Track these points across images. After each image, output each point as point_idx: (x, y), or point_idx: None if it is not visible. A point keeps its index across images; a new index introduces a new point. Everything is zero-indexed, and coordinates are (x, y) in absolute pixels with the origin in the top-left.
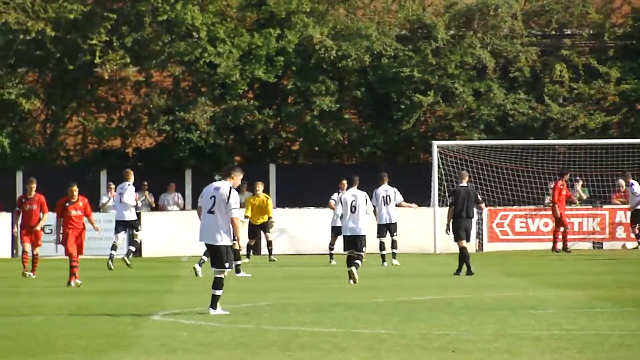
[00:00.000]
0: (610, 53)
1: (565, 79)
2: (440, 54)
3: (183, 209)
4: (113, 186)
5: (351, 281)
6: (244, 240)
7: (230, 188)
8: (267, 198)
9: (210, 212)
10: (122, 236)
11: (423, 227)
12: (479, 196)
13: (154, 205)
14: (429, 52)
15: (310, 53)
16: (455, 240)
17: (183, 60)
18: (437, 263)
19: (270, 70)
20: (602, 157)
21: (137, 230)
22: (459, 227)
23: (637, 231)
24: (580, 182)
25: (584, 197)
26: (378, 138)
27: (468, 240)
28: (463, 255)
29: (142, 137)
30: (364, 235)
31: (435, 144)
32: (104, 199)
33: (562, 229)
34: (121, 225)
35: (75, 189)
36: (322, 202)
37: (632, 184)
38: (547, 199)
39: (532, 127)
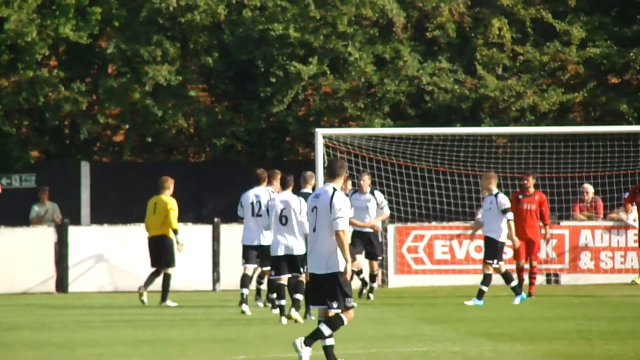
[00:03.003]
0: (571, 3)
1: (507, 41)
2: (328, 3)
3: None
4: None
5: (283, 319)
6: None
7: (335, 191)
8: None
9: (314, 230)
10: None
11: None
12: None
13: None
14: (311, 2)
15: (140, 2)
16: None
17: None
18: None
19: (81, 27)
20: (559, 151)
21: None
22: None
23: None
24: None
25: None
26: (238, 125)
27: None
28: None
29: None
30: (302, 255)
31: (320, 132)
32: None
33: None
34: None
35: None
36: None
37: (497, 194)
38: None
39: (458, 110)
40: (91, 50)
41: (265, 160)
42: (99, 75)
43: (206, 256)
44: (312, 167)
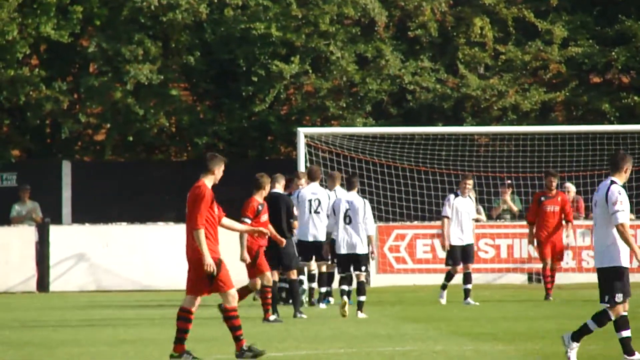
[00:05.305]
0: (552, 2)
1: (489, 40)
2: (310, 2)
3: None
4: None
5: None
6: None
7: (611, 184)
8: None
9: (595, 224)
10: None
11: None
12: (293, 209)
13: None
14: (293, 1)
15: (121, 1)
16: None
17: None
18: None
19: (62, 26)
20: (541, 151)
21: None
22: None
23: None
24: (509, 189)
25: (515, 209)
26: (220, 124)
27: (290, 268)
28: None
29: None
30: (364, 255)
31: (302, 132)
32: None
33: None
34: None
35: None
36: (138, 215)
37: None
38: None
39: (440, 109)
40: (72, 49)
41: (247, 159)
42: (80, 74)
43: None
44: (294, 166)
